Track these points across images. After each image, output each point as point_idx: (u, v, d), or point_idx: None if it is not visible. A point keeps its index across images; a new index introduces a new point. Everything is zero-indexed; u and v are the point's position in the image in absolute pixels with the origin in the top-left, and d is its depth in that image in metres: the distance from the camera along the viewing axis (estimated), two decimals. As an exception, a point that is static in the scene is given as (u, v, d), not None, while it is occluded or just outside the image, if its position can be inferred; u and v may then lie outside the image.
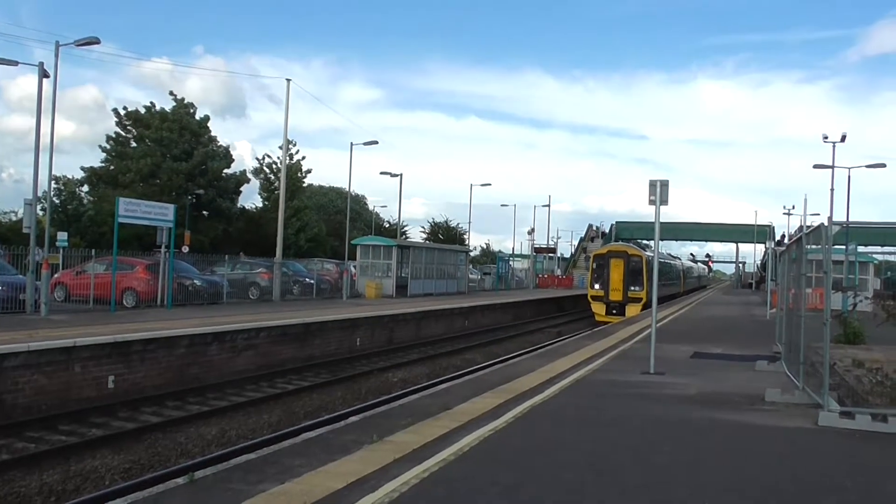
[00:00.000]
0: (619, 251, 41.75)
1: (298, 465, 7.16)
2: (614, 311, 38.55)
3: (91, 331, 16.76)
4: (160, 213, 26.00)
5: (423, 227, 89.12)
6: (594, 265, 41.64)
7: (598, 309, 39.88)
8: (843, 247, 26.22)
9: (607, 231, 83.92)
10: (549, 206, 78.10)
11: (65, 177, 55.17)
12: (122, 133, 57.51)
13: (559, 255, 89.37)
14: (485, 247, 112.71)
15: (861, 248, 36.35)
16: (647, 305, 36.12)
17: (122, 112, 57.49)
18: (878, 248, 58.96)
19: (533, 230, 76.70)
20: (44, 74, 22.55)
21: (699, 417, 10.12)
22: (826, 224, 10.47)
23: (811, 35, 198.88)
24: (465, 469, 7.19)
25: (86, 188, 56.34)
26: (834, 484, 7.07)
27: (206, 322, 19.86)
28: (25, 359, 14.06)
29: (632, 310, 37.91)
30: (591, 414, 10.35)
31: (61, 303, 24.78)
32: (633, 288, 39.25)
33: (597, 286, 40.39)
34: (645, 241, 67.25)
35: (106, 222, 43.03)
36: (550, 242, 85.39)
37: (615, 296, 39.41)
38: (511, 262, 74.15)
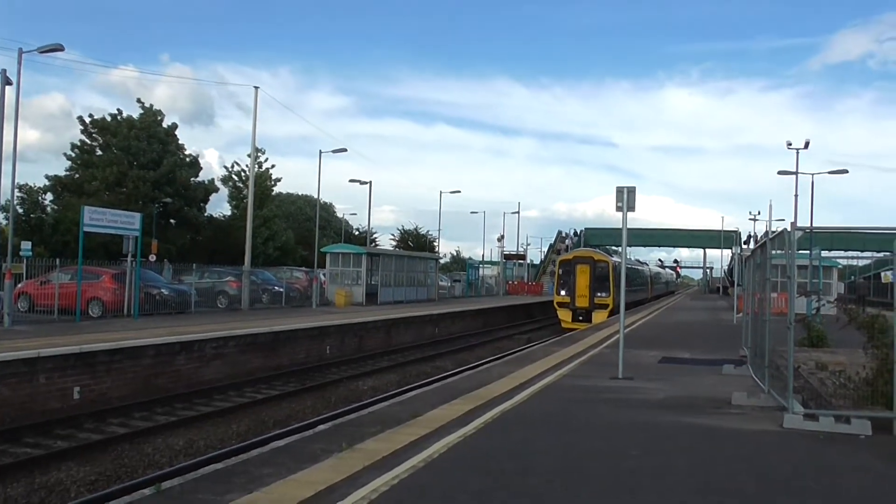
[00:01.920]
0: (586, 257, 41.16)
1: (267, 474, 7.12)
2: (581, 318, 37.88)
3: (55, 341, 16.55)
4: (126, 222, 25.73)
5: (392, 235, 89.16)
6: (560, 271, 41.08)
7: (565, 316, 39.26)
8: (807, 252, 26.59)
9: (575, 238, 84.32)
10: (518, 212, 78.50)
11: (28, 185, 54.42)
12: (88, 141, 56.75)
13: (529, 261, 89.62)
14: (455, 254, 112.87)
15: (825, 253, 36.83)
16: (613, 312, 35.87)
17: (88, 120, 56.81)
18: (842, 253, 59.90)
19: (502, 237, 76.88)
20: (6, 82, 22.26)
21: (667, 422, 10.21)
22: (789, 229, 10.63)
23: (775, 44, 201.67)
24: (435, 476, 7.19)
25: (50, 197, 55.55)
26: (798, 485, 7.17)
27: (173, 331, 19.68)
28: (-12, 370, 13.85)
29: (598, 316, 37.39)
30: (560, 419, 10.40)
31: (25, 313, 24.42)
32: (599, 294, 38.72)
33: (563, 292, 39.74)
34: (614, 248, 67.68)
35: (71, 231, 42.49)
36: (520, 249, 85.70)
37: (581, 302, 38.85)
38: (481, 269, 74.27)
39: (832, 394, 11.12)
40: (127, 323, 22.66)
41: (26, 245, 26.20)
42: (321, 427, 10.14)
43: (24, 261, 25.72)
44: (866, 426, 9.41)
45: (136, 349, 17.17)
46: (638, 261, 68.24)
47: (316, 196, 47.77)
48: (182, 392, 17.44)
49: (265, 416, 15.81)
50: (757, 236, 49.21)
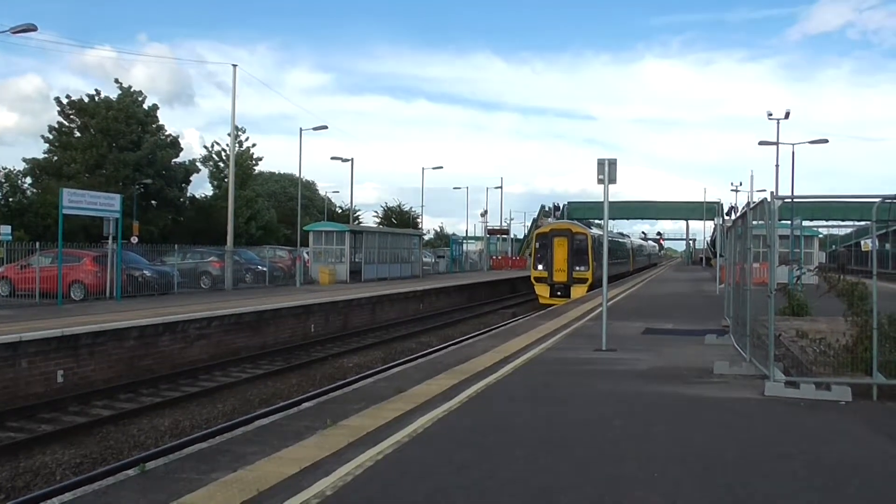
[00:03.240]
0: (563, 229, 39.27)
1: (251, 452, 7.12)
2: (559, 293, 36.51)
3: (37, 325, 16.43)
4: (106, 204, 25.49)
5: (376, 212, 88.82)
6: (537, 244, 39.26)
7: (542, 291, 37.81)
8: (788, 221, 26.75)
9: (558, 213, 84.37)
10: (501, 187, 79.35)
11: (6, 169, 53.81)
12: (66, 123, 56.06)
13: (512, 236, 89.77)
14: (438, 230, 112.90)
15: (806, 223, 37.08)
16: (593, 286, 35.34)
17: (65, 101, 56.04)
18: (823, 222, 60.34)
19: (486, 212, 76.89)
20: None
21: (649, 392, 10.28)
22: (770, 199, 10.66)
23: (754, 14, 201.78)
24: (419, 450, 7.23)
25: (29, 180, 54.95)
26: (779, 452, 7.24)
27: (156, 313, 19.59)
28: (-31, 355, 13.76)
29: (577, 291, 36.07)
30: (543, 391, 10.46)
31: (6, 298, 24.25)
32: (578, 268, 37.18)
33: (540, 267, 38.09)
34: (597, 221, 67.75)
35: (50, 214, 42.18)
36: (504, 224, 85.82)
37: (559, 277, 37.27)
38: (465, 245, 74.29)
39: (813, 361, 11.21)
40: (109, 305, 22.53)
41: (6, 229, 26.04)
42: (306, 405, 10.16)
43: (4, 245, 25.54)
44: (846, 392, 9.52)
45: (119, 331, 17.08)
46: (620, 233, 68.31)
47: (298, 174, 47.48)
48: (167, 373, 17.40)
49: (250, 396, 15.81)
50: (738, 207, 49.38)
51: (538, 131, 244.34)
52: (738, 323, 13.46)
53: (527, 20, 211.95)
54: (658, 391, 10.32)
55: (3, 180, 51.72)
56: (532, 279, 39.28)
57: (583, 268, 37.27)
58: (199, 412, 14.30)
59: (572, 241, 37.73)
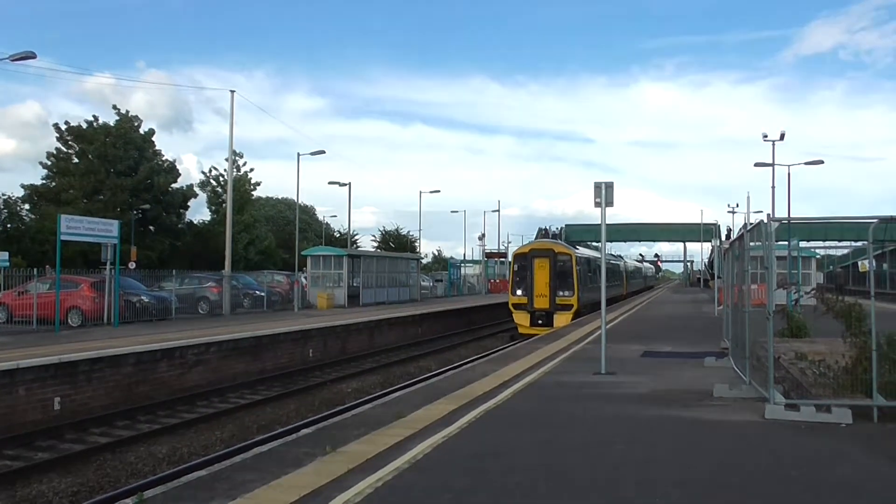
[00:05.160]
0: (544, 249, 34.31)
1: (250, 480, 7.08)
2: (540, 322, 32.24)
3: (35, 352, 16.40)
4: (104, 230, 25.51)
5: (373, 236, 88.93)
6: (515, 267, 34.57)
7: (521, 320, 33.24)
8: (785, 243, 26.75)
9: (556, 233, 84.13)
10: (498, 211, 79.06)
11: (6, 195, 53.90)
12: (64, 149, 56.28)
13: (510, 259, 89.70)
14: (436, 253, 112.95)
15: (803, 244, 37.06)
16: (579, 313, 32.63)
17: (64, 127, 56.26)
18: (820, 243, 60.34)
19: (483, 235, 77.05)
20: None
21: (649, 415, 10.24)
22: (766, 221, 10.69)
23: (747, 36, 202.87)
24: (419, 476, 7.18)
25: (27, 207, 54.99)
26: (780, 475, 7.21)
27: (154, 339, 19.55)
28: (-34, 383, 13.70)
29: (561, 319, 31.92)
30: (543, 416, 10.41)
31: (3, 324, 24.24)
32: (561, 293, 32.78)
33: (519, 292, 33.40)
34: (594, 243, 67.63)
35: (49, 240, 42.15)
36: (501, 247, 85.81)
37: (540, 303, 32.74)
38: (463, 269, 74.24)
39: (813, 383, 11.18)
40: (107, 331, 22.48)
41: (3, 255, 25.97)
42: (305, 431, 10.09)
43: (2, 271, 25.50)
44: (847, 415, 9.48)
45: (116, 358, 17.04)
46: (612, 254, 67.87)
47: (296, 199, 47.56)
48: (165, 399, 17.33)
49: (249, 422, 15.74)
50: (733, 231, 49.40)
51: (535, 154, 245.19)
52: (738, 345, 13.43)
53: (522, 44, 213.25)
54: (658, 415, 10.28)
55: (2, 206, 51.76)
56: (510, 306, 34.32)
57: (567, 293, 32.98)
58: (198, 439, 14.24)
59: (555, 262, 33.26)
